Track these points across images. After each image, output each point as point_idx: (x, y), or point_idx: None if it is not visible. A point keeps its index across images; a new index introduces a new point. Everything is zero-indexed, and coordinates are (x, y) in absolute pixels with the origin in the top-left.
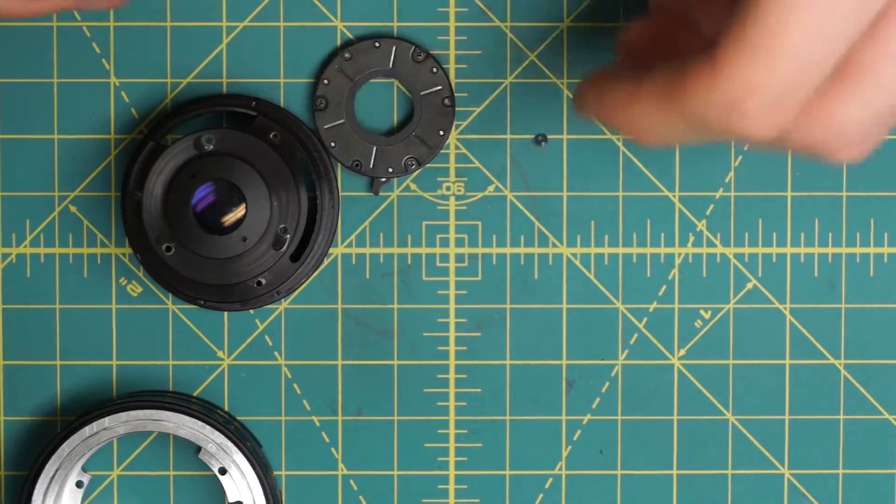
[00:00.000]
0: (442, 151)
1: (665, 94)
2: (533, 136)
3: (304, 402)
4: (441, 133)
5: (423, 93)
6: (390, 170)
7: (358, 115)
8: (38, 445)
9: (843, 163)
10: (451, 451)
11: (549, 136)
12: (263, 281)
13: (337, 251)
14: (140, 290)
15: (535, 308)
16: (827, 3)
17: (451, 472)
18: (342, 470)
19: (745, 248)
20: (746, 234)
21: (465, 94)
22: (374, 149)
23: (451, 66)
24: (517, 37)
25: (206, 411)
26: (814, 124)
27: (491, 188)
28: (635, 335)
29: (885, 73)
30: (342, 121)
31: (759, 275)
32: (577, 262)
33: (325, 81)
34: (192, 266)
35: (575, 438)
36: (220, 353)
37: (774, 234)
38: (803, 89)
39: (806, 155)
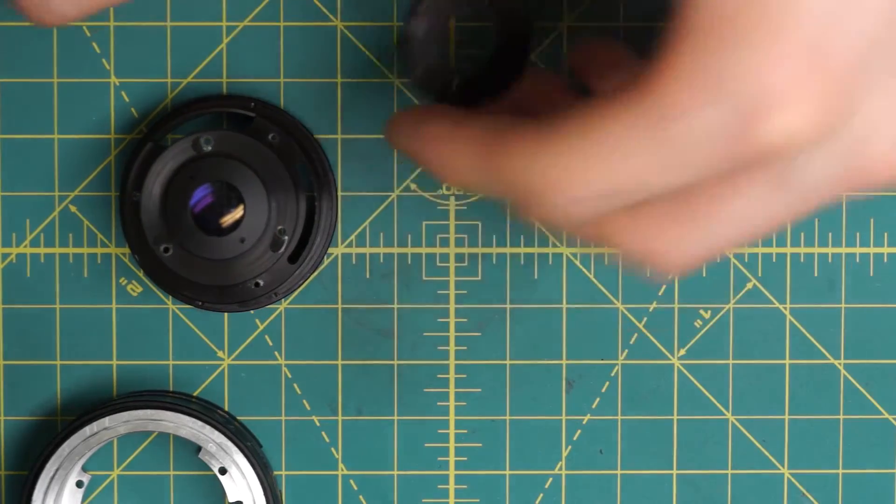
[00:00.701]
0: None
1: (489, 140)
2: None
3: (304, 402)
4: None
5: None
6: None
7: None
8: (38, 445)
9: (662, 274)
10: (451, 451)
11: None
12: (261, 282)
13: (337, 251)
14: (140, 290)
15: (535, 308)
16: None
17: (451, 472)
18: (342, 470)
19: (745, 248)
20: None
21: None
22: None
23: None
24: None
25: (206, 411)
26: (635, 235)
27: None
28: (635, 335)
29: (731, 211)
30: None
31: (759, 275)
32: (577, 262)
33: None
34: (190, 267)
35: (575, 438)
36: (220, 353)
37: (774, 234)
38: (616, 205)
39: (625, 257)
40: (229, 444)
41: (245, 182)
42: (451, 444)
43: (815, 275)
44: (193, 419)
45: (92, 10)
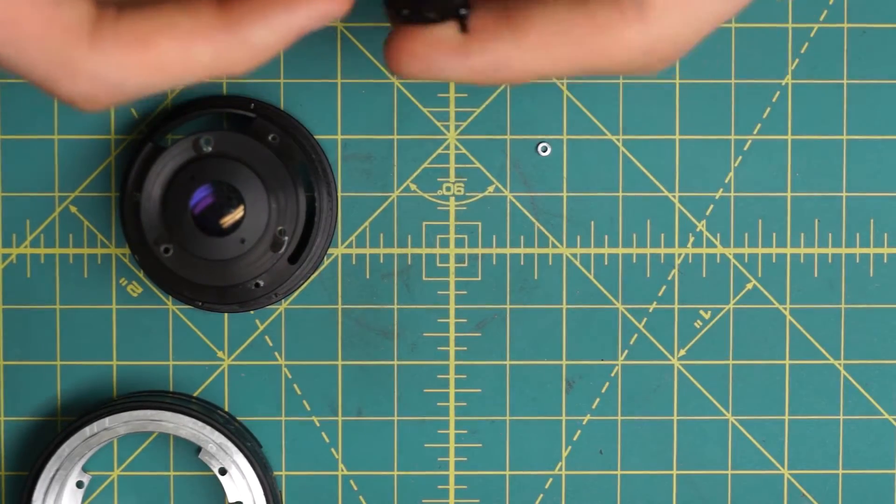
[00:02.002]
0: (442, 152)
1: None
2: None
3: (304, 402)
4: None
5: None
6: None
7: None
8: (39, 445)
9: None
10: (451, 451)
11: (549, 137)
12: (261, 283)
13: (337, 251)
14: (140, 290)
15: (535, 308)
16: None
17: (451, 472)
18: (342, 470)
19: (745, 249)
20: (746, 235)
21: (465, 95)
22: None
23: None
24: None
25: (206, 411)
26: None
27: (491, 188)
28: (635, 335)
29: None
30: None
31: (759, 275)
32: (577, 263)
33: None
34: (191, 268)
35: (575, 439)
36: (220, 354)
37: (774, 235)
38: None
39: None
40: (229, 444)
41: (245, 182)
42: (451, 445)
43: (815, 275)
44: (193, 420)
45: (127, 99)
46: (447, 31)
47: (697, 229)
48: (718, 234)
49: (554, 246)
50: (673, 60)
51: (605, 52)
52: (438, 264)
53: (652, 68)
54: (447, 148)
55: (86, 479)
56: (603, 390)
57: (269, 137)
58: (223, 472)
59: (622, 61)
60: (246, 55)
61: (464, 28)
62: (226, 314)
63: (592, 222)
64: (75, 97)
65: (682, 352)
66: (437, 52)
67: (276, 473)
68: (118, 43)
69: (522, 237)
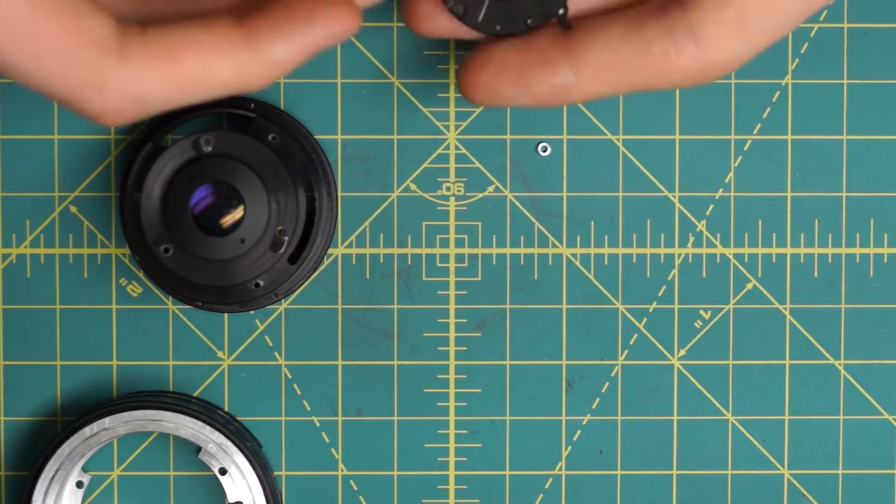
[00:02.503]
0: (442, 152)
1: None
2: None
3: (304, 402)
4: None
5: None
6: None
7: None
8: (39, 445)
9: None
10: (451, 451)
11: (548, 137)
12: (261, 283)
13: (337, 251)
14: (140, 290)
15: (535, 308)
16: None
17: (451, 472)
18: (342, 470)
19: (745, 249)
20: (746, 235)
21: None
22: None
23: (451, 67)
24: None
25: (206, 411)
26: None
27: (491, 188)
28: (635, 335)
29: None
30: None
31: (759, 275)
32: (577, 263)
33: None
34: (191, 268)
35: (575, 438)
36: (220, 354)
37: (774, 235)
38: None
39: None
40: (229, 444)
41: (245, 182)
42: (451, 445)
43: (815, 275)
44: (193, 419)
45: (149, 113)
46: (508, 57)
47: (697, 229)
48: (718, 234)
49: (554, 246)
50: (726, 74)
51: (660, 77)
52: (438, 264)
53: (703, 84)
54: (447, 148)
55: (86, 479)
56: (603, 390)
57: (269, 137)
58: (223, 472)
59: (675, 83)
60: (264, 71)
61: (566, 26)
62: (226, 314)
63: (592, 222)
64: (102, 112)
65: (682, 352)
66: (501, 82)
67: (276, 473)
68: (146, 57)
69: (522, 237)
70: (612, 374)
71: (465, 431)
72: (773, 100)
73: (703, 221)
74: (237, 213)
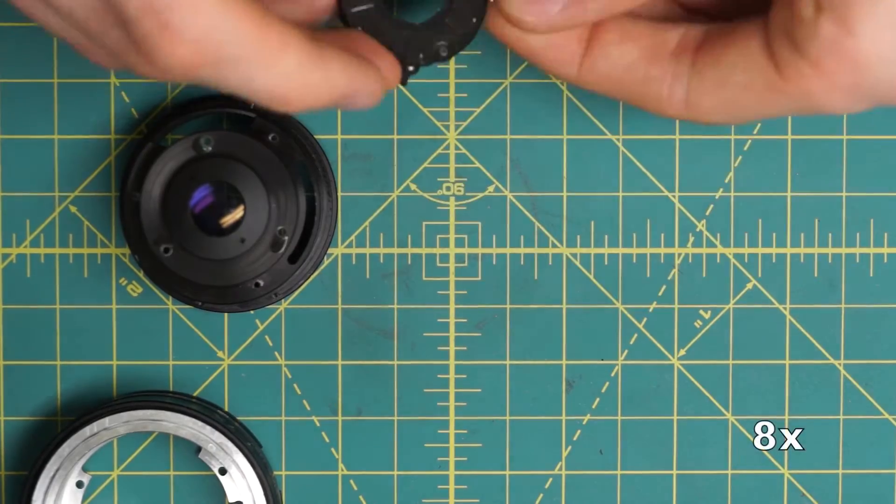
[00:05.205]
0: (442, 152)
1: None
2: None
3: (304, 402)
4: (474, 20)
5: None
6: (422, 56)
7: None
8: (39, 445)
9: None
10: (451, 451)
11: (549, 137)
12: (261, 282)
13: (337, 251)
14: (140, 290)
15: (535, 308)
16: None
17: (451, 472)
18: (342, 470)
19: (745, 249)
20: (746, 234)
21: (465, 95)
22: (404, 34)
23: (451, 67)
24: None
25: (206, 411)
26: None
27: (491, 188)
28: (635, 335)
29: None
30: (370, 6)
31: (759, 275)
32: (577, 263)
33: None
34: (191, 267)
35: (575, 438)
36: (220, 354)
37: (774, 234)
38: None
39: None
40: (229, 444)
41: (245, 182)
42: (451, 444)
43: (815, 275)
44: (193, 419)
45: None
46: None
47: (697, 229)
48: (718, 234)
49: (554, 246)
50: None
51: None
52: (438, 264)
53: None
54: (447, 148)
55: (86, 479)
56: (603, 390)
57: (269, 137)
58: (223, 471)
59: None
60: (325, 91)
61: (404, 80)
62: (226, 314)
63: (592, 222)
64: (277, 99)
65: (682, 352)
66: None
67: (276, 473)
68: (324, 58)
69: (522, 237)
70: (612, 374)
71: (465, 431)
72: None
73: (703, 221)
74: (237, 213)
